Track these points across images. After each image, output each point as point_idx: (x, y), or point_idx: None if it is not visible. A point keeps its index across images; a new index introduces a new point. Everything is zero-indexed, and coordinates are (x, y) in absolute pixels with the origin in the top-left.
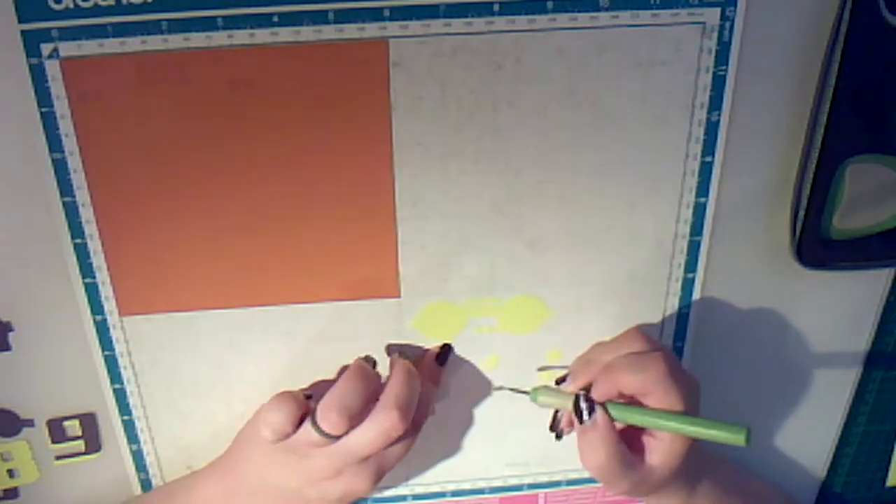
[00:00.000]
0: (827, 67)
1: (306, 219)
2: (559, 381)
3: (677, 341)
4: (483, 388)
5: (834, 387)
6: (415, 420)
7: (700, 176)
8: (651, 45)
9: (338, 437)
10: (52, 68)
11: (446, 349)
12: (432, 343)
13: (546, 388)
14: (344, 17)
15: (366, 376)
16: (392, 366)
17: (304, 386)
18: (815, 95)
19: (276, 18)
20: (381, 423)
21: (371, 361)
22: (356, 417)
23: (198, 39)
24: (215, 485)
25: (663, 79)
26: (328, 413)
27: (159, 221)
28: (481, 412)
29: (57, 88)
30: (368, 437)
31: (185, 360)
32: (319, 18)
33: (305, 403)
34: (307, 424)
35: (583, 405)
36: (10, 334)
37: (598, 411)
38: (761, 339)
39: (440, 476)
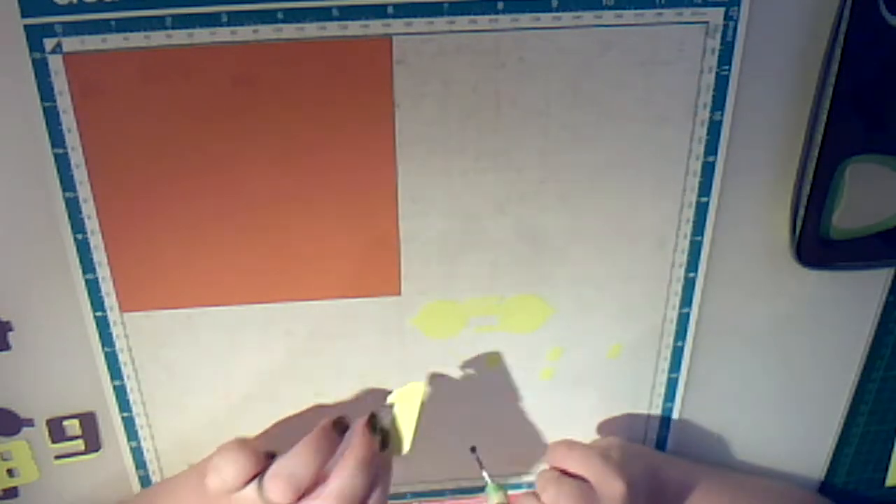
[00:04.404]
0: (827, 67)
1: (308, 216)
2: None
3: (677, 341)
4: (483, 386)
5: (833, 387)
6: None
7: (702, 175)
8: (655, 44)
9: None
10: (55, 63)
11: (372, 418)
12: (431, 343)
13: (500, 488)
14: (348, 14)
15: (321, 448)
16: (352, 439)
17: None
18: (815, 95)
19: (280, 15)
20: None
21: (342, 425)
22: (304, 489)
23: (201, 35)
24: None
25: (666, 78)
26: (276, 481)
27: (161, 217)
28: (482, 411)
29: (60, 83)
30: None
31: (185, 356)
32: (323, 15)
33: (262, 461)
34: (254, 483)
35: None
36: (10, 333)
37: None
38: (761, 338)
39: (440, 475)
